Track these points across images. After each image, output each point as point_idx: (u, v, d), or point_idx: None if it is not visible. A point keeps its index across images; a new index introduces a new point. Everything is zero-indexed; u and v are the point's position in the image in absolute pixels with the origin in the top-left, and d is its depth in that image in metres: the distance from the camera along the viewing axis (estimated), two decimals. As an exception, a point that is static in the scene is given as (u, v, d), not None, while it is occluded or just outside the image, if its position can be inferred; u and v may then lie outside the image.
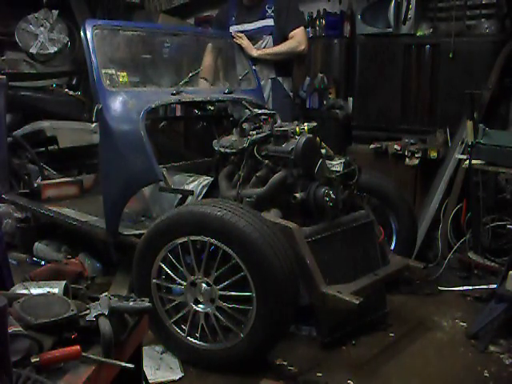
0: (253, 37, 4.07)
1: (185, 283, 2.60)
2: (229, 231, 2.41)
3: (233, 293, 2.49)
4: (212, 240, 2.47)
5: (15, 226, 4.10)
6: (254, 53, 4.01)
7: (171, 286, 2.67)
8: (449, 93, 4.31)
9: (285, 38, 4.11)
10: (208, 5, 5.91)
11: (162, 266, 2.63)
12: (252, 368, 2.56)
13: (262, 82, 4.11)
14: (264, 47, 4.09)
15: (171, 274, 2.63)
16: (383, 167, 4.14)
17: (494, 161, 3.38)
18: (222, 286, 2.50)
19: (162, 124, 4.30)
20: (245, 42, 3.99)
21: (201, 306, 2.59)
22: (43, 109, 4.87)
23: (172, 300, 2.66)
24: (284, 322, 2.46)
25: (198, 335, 2.60)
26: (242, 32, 4.06)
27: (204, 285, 2.56)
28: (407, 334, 2.96)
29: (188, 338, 2.62)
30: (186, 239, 2.54)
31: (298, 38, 4.08)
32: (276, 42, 4.11)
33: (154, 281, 2.66)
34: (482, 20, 4.31)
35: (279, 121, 3.22)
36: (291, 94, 4.32)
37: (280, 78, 4.20)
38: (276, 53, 4.10)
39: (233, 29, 4.11)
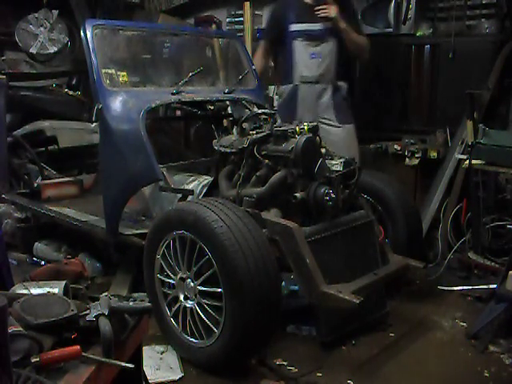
0: (318, 38, 3.93)
1: (176, 278, 2.64)
2: (200, 225, 2.46)
3: (206, 288, 2.51)
4: (190, 235, 2.52)
5: (15, 226, 4.10)
6: (341, 24, 3.84)
7: (168, 280, 2.70)
8: (449, 93, 4.31)
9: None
10: (208, 5, 5.91)
11: (161, 261, 2.69)
12: (252, 368, 2.57)
13: (323, 86, 3.99)
14: (329, 51, 3.95)
15: (166, 268, 2.68)
16: (383, 167, 4.15)
17: (494, 161, 3.38)
18: (199, 281, 2.53)
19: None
20: (334, 11, 3.81)
21: (188, 301, 2.62)
22: (43, 109, 4.87)
23: (168, 294, 2.70)
24: (255, 321, 2.38)
25: (188, 331, 2.62)
26: (305, 32, 3.92)
27: (189, 280, 2.60)
28: (407, 334, 2.95)
29: (182, 333, 2.65)
30: (174, 235, 2.60)
31: (367, 46, 4.03)
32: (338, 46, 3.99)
33: (159, 276, 2.72)
34: (482, 20, 4.31)
35: (279, 120, 3.22)
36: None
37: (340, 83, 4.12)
38: (355, 39, 3.95)
39: (293, 27, 3.94)
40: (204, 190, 3.19)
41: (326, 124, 3.96)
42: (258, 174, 2.96)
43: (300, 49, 3.94)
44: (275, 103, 4.46)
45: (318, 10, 3.84)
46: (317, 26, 3.91)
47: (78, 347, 1.27)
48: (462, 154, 3.92)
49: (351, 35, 3.94)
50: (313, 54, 3.93)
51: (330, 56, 3.97)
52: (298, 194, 2.81)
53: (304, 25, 3.92)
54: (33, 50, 5.12)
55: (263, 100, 3.87)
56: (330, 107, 4.00)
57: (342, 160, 2.97)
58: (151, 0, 6.07)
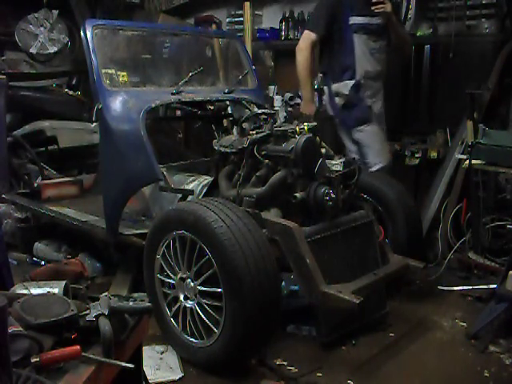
0: (377, 32, 3.78)
1: (176, 278, 2.65)
2: (200, 225, 2.46)
3: (206, 288, 2.51)
4: (190, 235, 2.52)
5: (15, 226, 4.10)
6: (393, 19, 3.79)
7: (168, 280, 2.70)
8: (449, 93, 4.31)
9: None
10: (208, 5, 5.91)
11: (161, 261, 2.69)
12: (252, 368, 2.57)
13: (380, 82, 3.89)
14: (385, 47, 3.83)
15: (166, 268, 2.68)
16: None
17: (494, 161, 3.38)
18: (199, 281, 2.53)
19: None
20: (390, 6, 3.74)
21: (188, 301, 2.62)
22: (43, 109, 4.87)
23: (168, 294, 2.71)
24: (255, 321, 2.38)
25: (188, 331, 2.62)
26: (365, 26, 3.73)
27: (189, 280, 2.60)
28: (407, 334, 2.96)
29: (182, 333, 2.65)
30: (174, 235, 2.61)
31: (410, 41, 4.03)
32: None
33: (159, 276, 2.72)
34: (482, 20, 4.30)
35: (279, 120, 3.22)
36: None
37: None
38: (402, 34, 3.95)
39: (353, 20, 3.73)
40: (204, 190, 3.19)
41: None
42: (257, 174, 2.96)
43: (361, 43, 3.74)
44: (328, 101, 4.06)
45: (376, 3, 3.68)
46: (376, 20, 3.75)
47: (78, 347, 1.27)
48: (462, 154, 3.92)
49: (400, 30, 3.90)
50: (373, 49, 3.78)
51: (385, 52, 3.86)
52: (298, 194, 2.81)
53: (364, 18, 3.73)
54: (33, 50, 5.11)
55: (263, 100, 3.87)
56: (381, 104, 3.91)
57: (342, 160, 2.97)
58: (151, 0, 6.08)
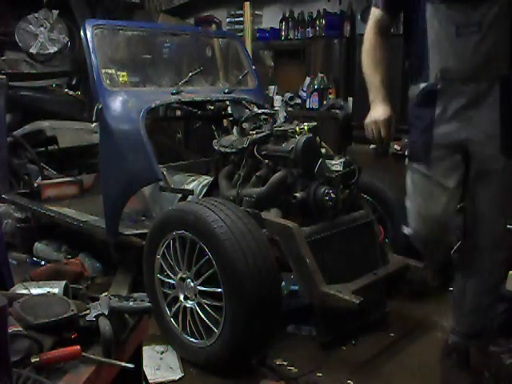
0: None
1: (176, 278, 2.65)
2: (200, 225, 2.46)
3: (206, 288, 2.52)
4: (190, 235, 2.52)
5: (15, 226, 4.10)
6: None
7: (168, 281, 2.71)
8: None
9: None
10: (208, 5, 5.92)
11: (161, 261, 2.69)
12: (252, 368, 2.57)
13: (484, 84, 2.18)
14: (496, 19, 2.06)
15: (166, 268, 2.68)
16: (383, 167, 4.15)
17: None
18: (199, 281, 2.53)
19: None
20: None
21: (188, 301, 2.62)
22: (43, 109, 4.88)
23: (168, 294, 2.71)
24: (255, 321, 2.38)
25: (188, 331, 2.62)
26: None
27: (189, 280, 2.60)
28: (407, 334, 2.95)
29: (182, 333, 2.65)
30: (174, 235, 2.61)
31: None
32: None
33: (159, 276, 2.72)
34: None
35: (279, 120, 3.22)
36: None
37: None
38: None
39: None
40: (204, 190, 3.19)
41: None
42: (257, 174, 2.96)
43: (437, 17, 2.15)
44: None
45: None
46: None
47: (78, 347, 1.27)
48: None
49: None
50: (463, 25, 2.11)
51: (497, 28, 2.12)
52: (298, 194, 2.81)
53: None
54: (33, 50, 5.12)
55: (263, 100, 3.87)
56: (495, 122, 2.23)
57: (341, 160, 2.97)
58: (151, 0, 6.08)
